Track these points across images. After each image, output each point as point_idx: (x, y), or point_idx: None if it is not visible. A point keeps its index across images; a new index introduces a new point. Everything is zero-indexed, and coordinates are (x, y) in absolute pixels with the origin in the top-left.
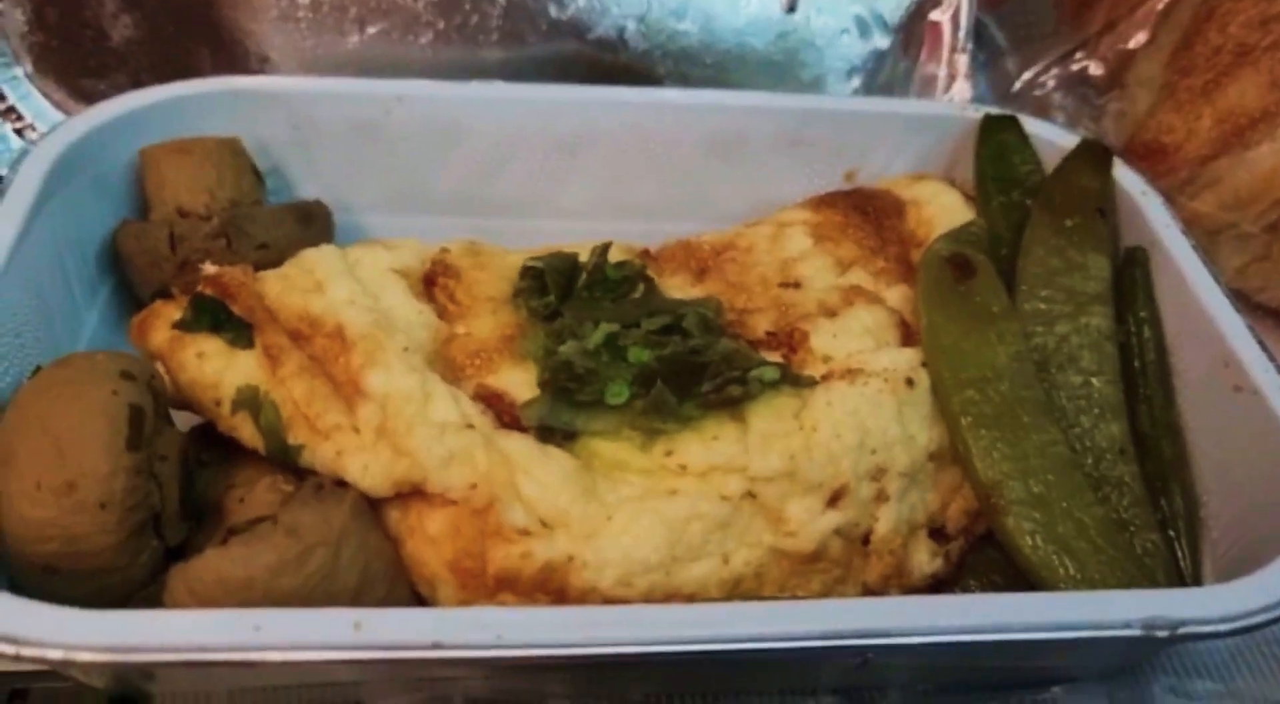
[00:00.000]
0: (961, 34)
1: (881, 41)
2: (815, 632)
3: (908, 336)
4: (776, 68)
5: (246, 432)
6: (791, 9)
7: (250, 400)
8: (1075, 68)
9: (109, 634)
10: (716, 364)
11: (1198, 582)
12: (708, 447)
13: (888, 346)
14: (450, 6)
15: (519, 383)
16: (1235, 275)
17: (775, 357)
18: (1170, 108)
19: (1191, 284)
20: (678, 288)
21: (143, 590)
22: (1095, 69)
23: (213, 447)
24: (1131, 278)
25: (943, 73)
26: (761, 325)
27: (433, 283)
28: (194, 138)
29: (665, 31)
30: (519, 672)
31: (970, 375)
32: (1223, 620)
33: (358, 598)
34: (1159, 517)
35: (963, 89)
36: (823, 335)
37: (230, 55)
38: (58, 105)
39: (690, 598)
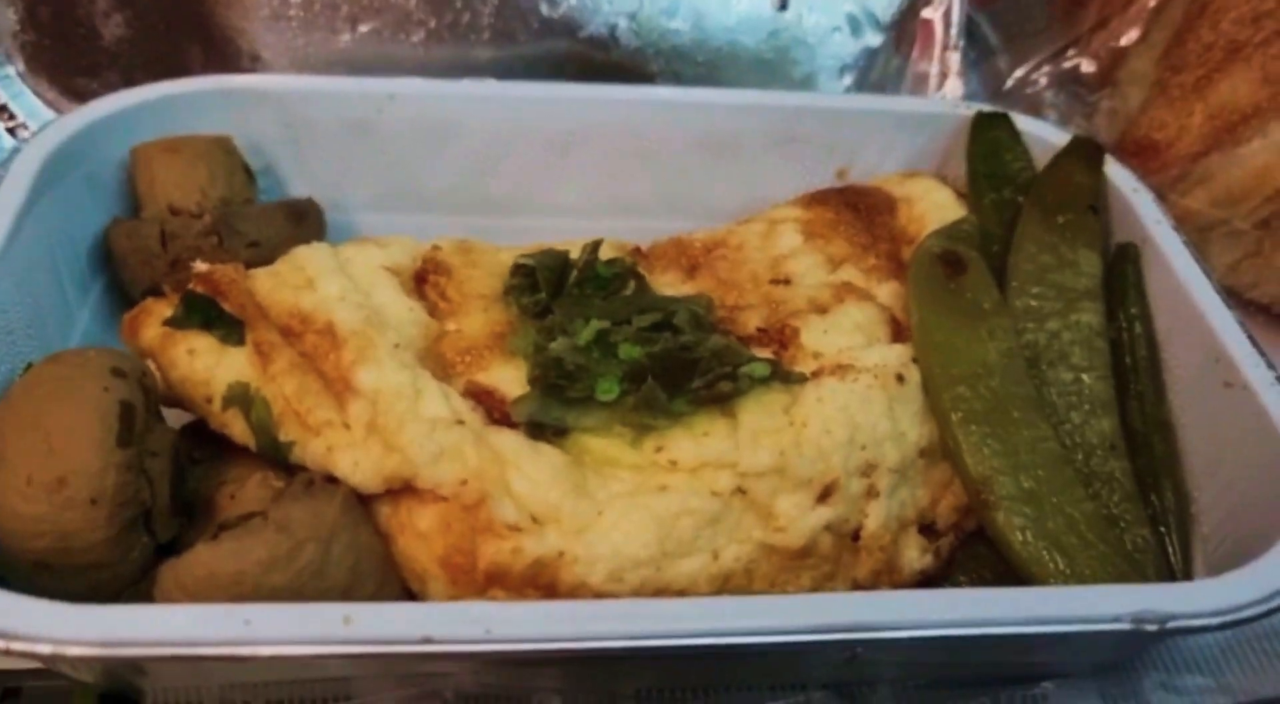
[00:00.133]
0: (953, 31)
1: (873, 39)
2: (804, 626)
3: (898, 333)
4: (768, 66)
5: (237, 428)
6: (783, 7)
7: (241, 397)
8: (1067, 65)
9: (99, 628)
10: (707, 360)
11: (1188, 577)
12: (698, 443)
13: (878, 343)
14: (442, 5)
15: (509, 380)
16: (1227, 272)
17: (766, 353)
18: (1162, 104)
19: (1182, 280)
20: (669, 285)
21: (134, 586)
22: (1087, 66)
23: (204, 443)
24: (1122, 274)
25: (935, 70)
26: (752, 322)
27: (424, 280)
28: (185, 136)
29: (657, 29)
30: (509, 666)
31: (961, 371)
32: (1212, 614)
33: (348, 593)
34: (1149, 512)
35: (955, 86)
36: (813, 332)
37: (222, 54)
38: (50, 104)
39: (680, 593)
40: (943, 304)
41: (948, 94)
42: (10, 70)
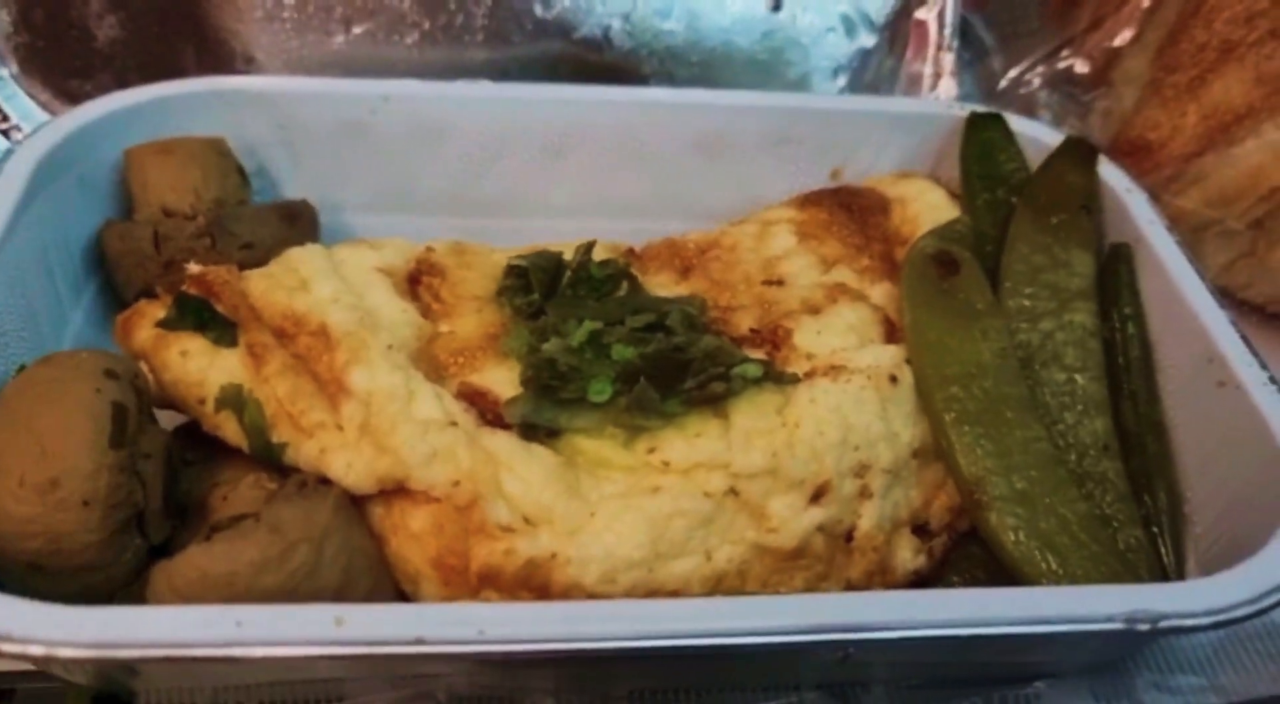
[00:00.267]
0: (947, 32)
1: (867, 40)
2: (796, 626)
3: (891, 334)
4: (762, 66)
5: (230, 430)
6: (777, 8)
7: (234, 399)
8: (1061, 65)
9: (91, 630)
10: (700, 361)
11: (1181, 577)
12: (691, 444)
13: (871, 344)
14: (436, 6)
15: (502, 381)
16: (1220, 272)
17: (759, 354)
18: (1156, 104)
19: (1175, 280)
20: (662, 286)
21: (126, 588)
22: (1081, 67)
23: (197, 445)
24: (1116, 274)
25: (928, 71)
26: (745, 323)
27: (417, 281)
28: (179, 138)
29: (650, 30)
30: (502, 667)
31: (954, 372)
32: (1205, 614)
33: (340, 595)
34: (1142, 512)
35: (948, 87)
36: (806, 333)
37: (215, 55)
38: (44, 106)
39: (673, 595)
40: (936, 305)
41: (941, 95)
42: (3, 72)
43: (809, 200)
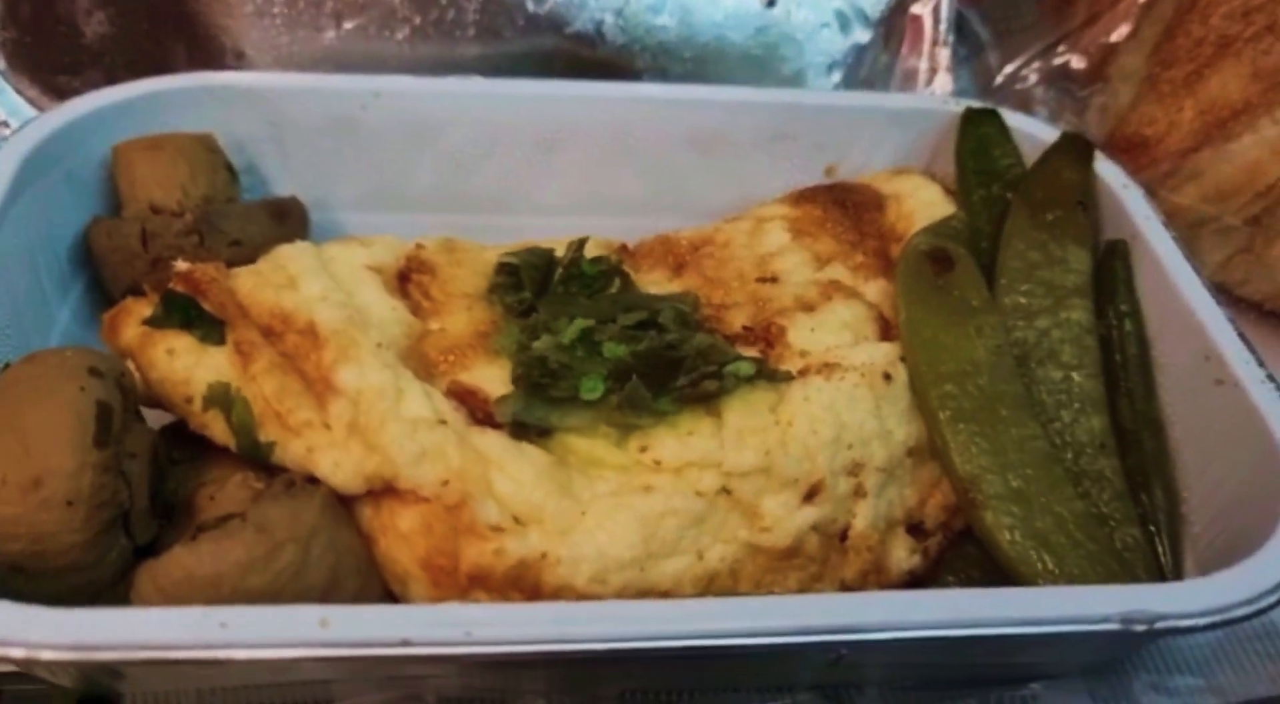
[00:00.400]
0: (942, 27)
1: (862, 35)
2: (789, 627)
3: (886, 332)
4: (756, 62)
5: (217, 429)
6: (771, 3)
7: (221, 397)
8: (1057, 61)
9: (73, 632)
10: (692, 359)
11: (1178, 576)
12: (683, 442)
13: (866, 341)
14: (427, 1)
15: (493, 379)
16: (1217, 269)
17: (752, 351)
18: (1152, 100)
19: (1172, 277)
20: (655, 283)
21: (111, 589)
22: (1077, 62)
23: (184, 444)
24: (1112, 271)
25: (924, 66)
26: (738, 320)
27: (407, 279)
28: (167, 134)
29: (643, 26)
30: (491, 669)
31: (949, 369)
32: (1202, 614)
33: (328, 595)
34: (1139, 511)
35: (944, 83)
36: (800, 330)
37: (205, 51)
38: (31, 102)
39: (665, 595)
40: (931, 301)
41: (937, 90)
42: None
43: (803, 197)
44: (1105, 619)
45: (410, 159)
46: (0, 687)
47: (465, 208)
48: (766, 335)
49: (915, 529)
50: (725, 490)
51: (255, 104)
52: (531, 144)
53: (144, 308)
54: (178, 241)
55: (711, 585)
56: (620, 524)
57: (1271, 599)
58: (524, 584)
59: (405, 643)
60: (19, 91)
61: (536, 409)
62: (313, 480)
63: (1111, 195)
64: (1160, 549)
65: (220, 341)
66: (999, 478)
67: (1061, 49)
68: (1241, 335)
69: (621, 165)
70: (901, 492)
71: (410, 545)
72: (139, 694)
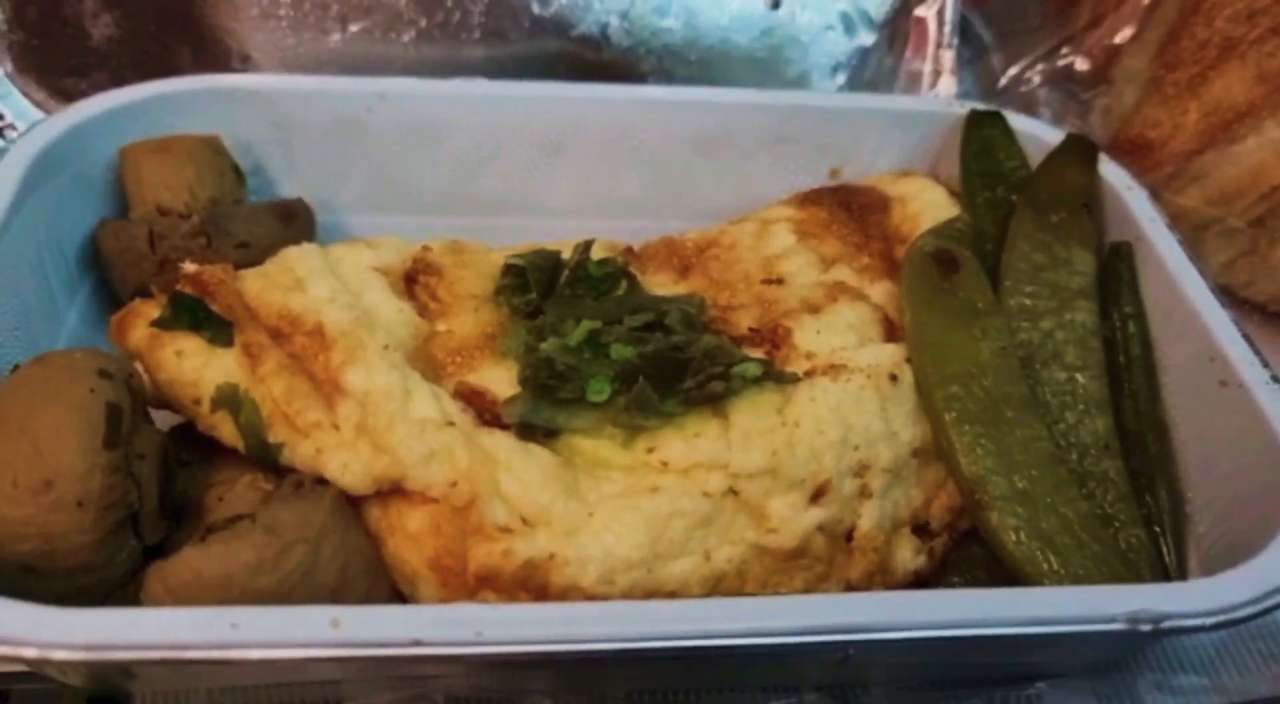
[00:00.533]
0: (947, 30)
1: (866, 38)
2: (797, 627)
3: (891, 333)
4: (761, 64)
5: (226, 430)
6: (775, 5)
7: (230, 399)
8: (1061, 63)
9: (84, 632)
10: (699, 360)
11: (1183, 577)
12: (690, 443)
13: (871, 343)
14: (432, 4)
15: (500, 381)
16: (1221, 270)
17: (758, 353)
18: (1156, 103)
19: (1177, 279)
20: (661, 285)
21: (121, 590)
22: (1081, 64)
23: (192, 446)
24: (1116, 273)
25: (928, 69)
26: (744, 322)
27: (414, 281)
28: (174, 136)
29: (648, 28)
30: (500, 669)
31: (954, 371)
32: (1207, 614)
33: (337, 596)
34: (1144, 512)
35: (948, 85)
36: (806, 332)
37: (211, 54)
38: (38, 105)
39: (672, 595)
40: (936, 303)
41: (941, 92)
42: None
43: (808, 199)
44: (1111, 619)
45: (416, 161)
46: (9, 686)
47: (471, 210)
48: (773, 337)
49: (921, 530)
50: (732, 491)
51: (262, 106)
52: (537, 146)
53: (152, 309)
54: (185, 243)
55: (719, 586)
56: (627, 525)
57: (1276, 599)
58: (532, 585)
59: (416, 643)
60: (26, 94)
61: (544, 410)
62: (321, 482)
63: (1116, 197)
64: (1165, 550)
65: (228, 343)
66: (1004, 479)
67: (1065, 51)
68: (1246, 337)
69: (626, 167)
70: (907, 492)
71: (419, 546)
72: (149, 694)
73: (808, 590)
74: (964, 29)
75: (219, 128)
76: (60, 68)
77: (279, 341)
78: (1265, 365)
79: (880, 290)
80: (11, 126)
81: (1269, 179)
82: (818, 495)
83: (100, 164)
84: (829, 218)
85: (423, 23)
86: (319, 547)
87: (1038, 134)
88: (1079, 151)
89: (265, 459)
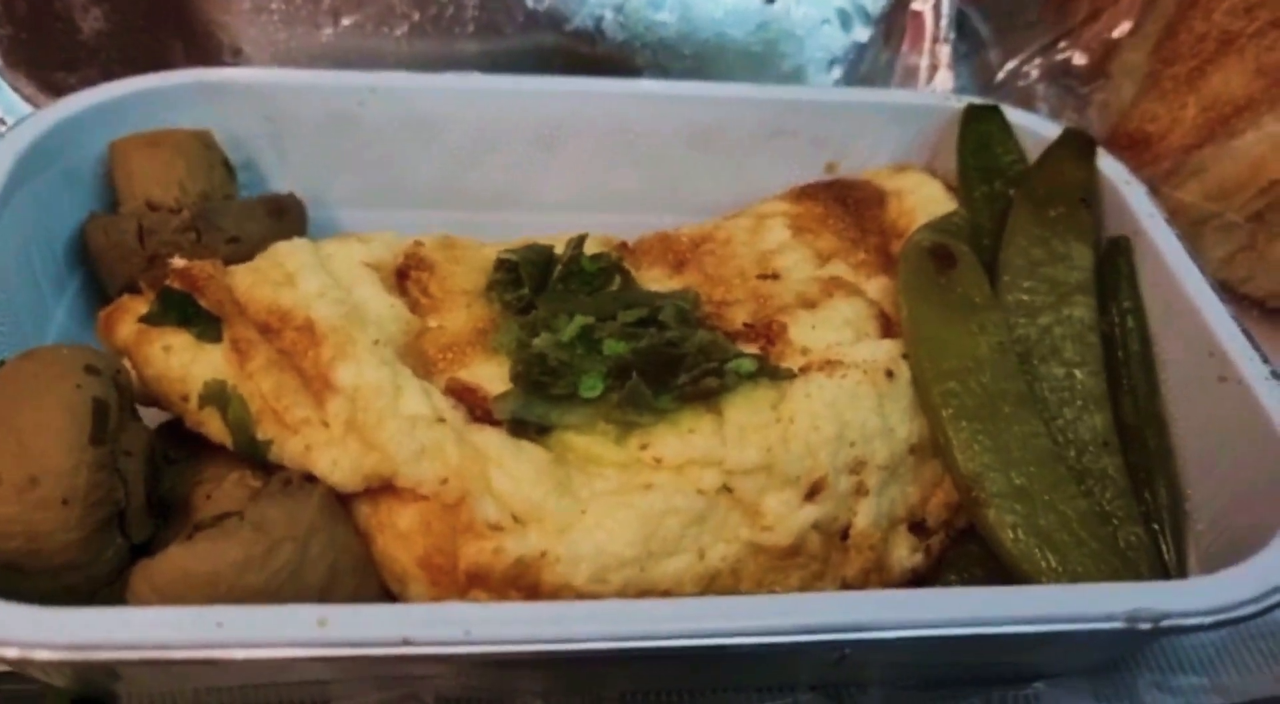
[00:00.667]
0: (943, 24)
1: (863, 32)
2: (791, 626)
3: (888, 329)
4: (756, 59)
5: (214, 427)
6: (771, 0)
7: (218, 395)
8: (1059, 58)
9: (67, 632)
10: (693, 356)
11: (1182, 575)
12: (684, 440)
13: (867, 338)
14: None
15: (492, 377)
16: (1220, 265)
17: (753, 349)
18: (1154, 97)
19: (1175, 274)
20: (655, 280)
21: (107, 588)
22: (1079, 59)
23: (180, 442)
24: (1115, 268)
25: (925, 63)
26: (739, 317)
27: (406, 276)
28: (165, 130)
29: (643, 22)
30: (490, 668)
31: (951, 366)
32: (1207, 613)
33: (325, 595)
34: (1143, 509)
35: (945, 79)
36: (801, 327)
37: (202, 48)
38: (28, 99)
39: (665, 594)
40: (933, 298)
41: (938, 87)
42: None
43: (804, 193)
44: (1110, 617)
45: (408, 156)
46: None
47: (463, 205)
48: (768, 332)
49: (917, 527)
50: (726, 488)
51: (253, 101)
52: (530, 141)
53: (140, 305)
54: (175, 238)
55: (713, 584)
56: (620, 522)
57: (1276, 598)
58: (523, 583)
59: (405, 642)
60: (15, 88)
61: (536, 407)
62: (310, 478)
63: (1114, 192)
64: (1164, 547)
65: (217, 339)
66: (1002, 475)
67: (1063, 45)
68: (1245, 332)
69: (621, 162)
70: (904, 489)
71: (408, 544)
72: (135, 695)
73: (803, 589)
74: (961, 23)
75: (210, 122)
76: (50, 62)
77: (268, 337)
78: (1265, 361)
79: (876, 285)
80: (1, 122)
81: (1268, 173)
82: (813, 493)
83: (89, 159)
84: (825, 212)
85: (416, 16)
86: (307, 544)
87: (1035, 128)
88: (1077, 146)
89: (254, 456)
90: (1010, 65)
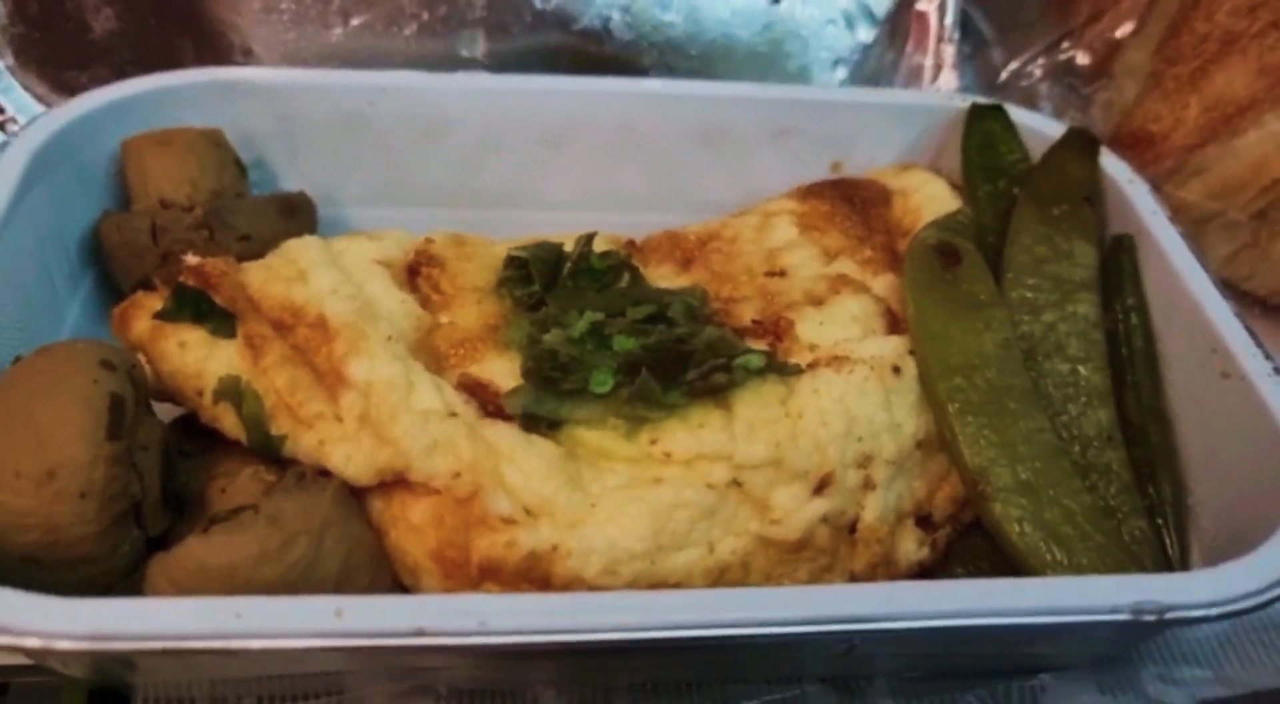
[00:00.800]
0: (948, 24)
1: (868, 32)
2: (801, 617)
3: (894, 325)
4: (762, 59)
5: (229, 422)
6: (776, 0)
7: (232, 390)
8: (1062, 57)
9: (88, 621)
10: (702, 352)
11: (1185, 569)
12: (693, 435)
13: (874, 335)
14: None
15: (503, 372)
16: (1223, 264)
17: (761, 345)
18: (1157, 97)
19: (1179, 271)
20: (663, 278)
21: (124, 581)
22: (1082, 59)
23: (195, 438)
24: (1118, 265)
25: (929, 63)
26: (747, 314)
27: (416, 273)
28: (176, 129)
29: (650, 22)
30: (503, 659)
31: (957, 362)
32: (1211, 605)
33: (340, 587)
34: (1147, 503)
35: (949, 79)
36: (809, 324)
37: (213, 48)
38: (40, 98)
39: (675, 587)
40: (939, 295)
41: (942, 87)
42: (0, 64)
43: (810, 192)
44: (1115, 609)
45: (417, 154)
46: (9, 679)
47: (472, 203)
48: (775, 329)
49: (924, 521)
50: (736, 483)
51: (263, 100)
52: (538, 140)
53: (154, 301)
54: (188, 236)
55: (722, 578)
56: (631, 516)
57: (1278, 591)
58: (535, 576)
59: (420, 632)
60: (27, 87)
61: (547, 402)
62: (324, 473)
63: (1117, 190)
64: (1168, 541)
65: (231, 335)
66: (1007, 470)
67: (1066, 45)
68: (1248, 328)
69: (628, 161)
70: (910, 484)
71: (421, 537)
72: (151, 686)
73: (811, 583)
74: (965, 23)
75: (221, 121)
76: (62, 61)
77: (282, 333)
78: (1268, 357)
79: (883, 283)
80: (13, 120)
81: (1270, 172)
82: (821, 487)
83: (102, 157)
84: (831, 211)
85: (425, 16)
86: (322, 538)
87: (1039, 127)
88: (1080, 145)
89: (268, 451)
90: (1014, 65)
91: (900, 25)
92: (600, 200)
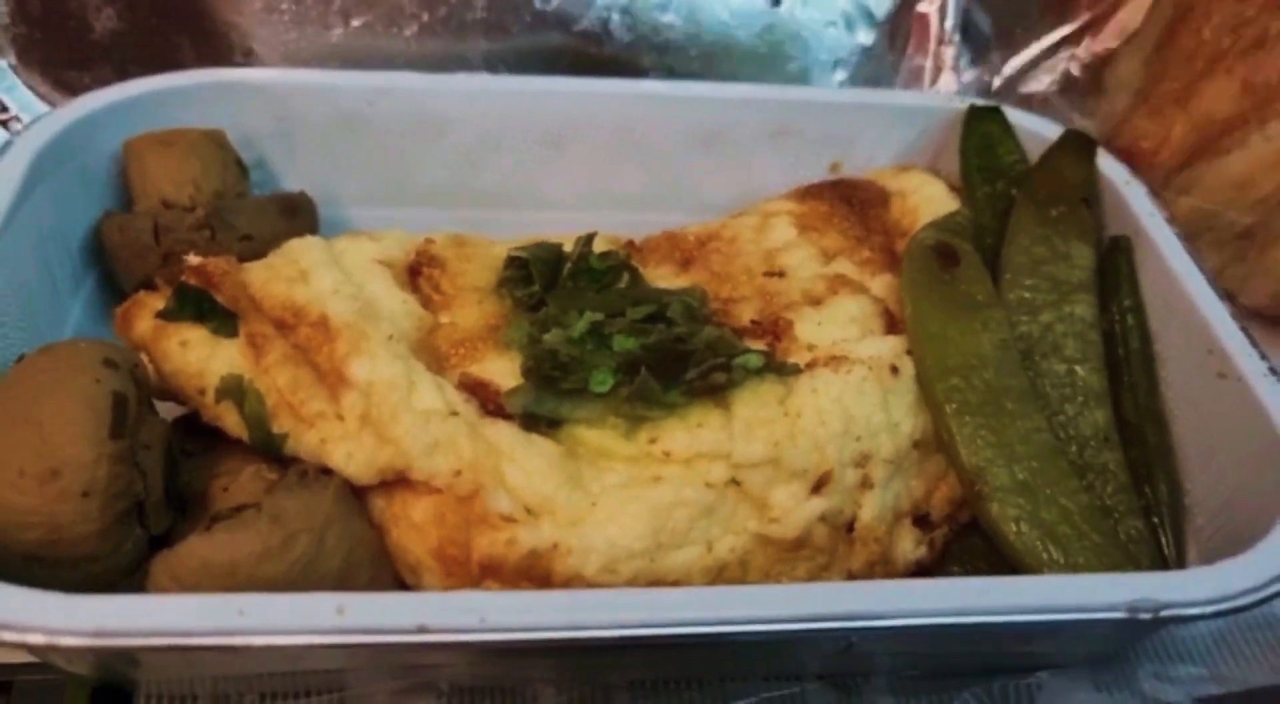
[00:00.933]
0: (948, 26)
1: (867, 34)
2: (799, 615)
3: (892, 326)
4: (762, 60)
5: (230, 420)
6: (776, 2)
7: (234, 389)
8: (1060, 62)
9: (92, 618)
10: (701, 351)
11: (1182, 567)
12: (692, 434)
13: (872, 335)
14: None
15: (503, 372)
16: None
17: (760, 345)
18: (1144, 114)
19: (1175, 272)
20: (662, 278)
21: (127, 579)
22: (1079, 65)
23: (197, 437)
24: (1115, 266)
25: (928, 65)
26: (746, 314)
27: (417, 273)
28: (178, 129)
29: (650, 23)
30: (503, 656)
31: (954, 363)
32: (1206, 602)
33: (341, 585)
34: (1143, 503)
35: (948, 81)
36: (807, 324)
37: (214, 48)
38: (43, 98)
39: (674, 586)
40: (936, 296)
41: (941, 88)
42: (1, 63)
43: (809, 193)
44: (1111, 607)
45: (418, 155)
46: (12, 677)
47: (473, 203)
48: (774, 329)
49: (921, 521)
50: (734, 482)
51: (265, 100)
52: (538, 140)
53: (156, 301)
54: (189, 236)
55: (721, 576)
56: (630, 515)
57: (1274, 589)
58: (535, 574)
59: (421, 629)
60: (30, 87)
61: (547, 401)
62: (326, 472)
63: (1114, 192)
64: (1164, 541)
65: (233, 334)
66: (1005, 470)
67: (1064, 52)
68: (1244, 330)
69: (627, 161)
70: (908, 483)
71: (423, 535)
72: (154, 683)
73: (809, 581)
74: (965, 26)
75: (222, 121)
76: (63, 61)
77: (283, 333)
78: (1263, 358)
79: (881, 283)
80: (16, 119)
81: (1256, 191)
82: (819, 486)
83: (104, 157)
84: (830, 211)
85: (425, 17)
86: (323, 536)
87: (1037, 129)
88: (1078, 146)
89: (270, 449)
90: (1013, 68)
91: (900, 27)
92: (600, 200)
